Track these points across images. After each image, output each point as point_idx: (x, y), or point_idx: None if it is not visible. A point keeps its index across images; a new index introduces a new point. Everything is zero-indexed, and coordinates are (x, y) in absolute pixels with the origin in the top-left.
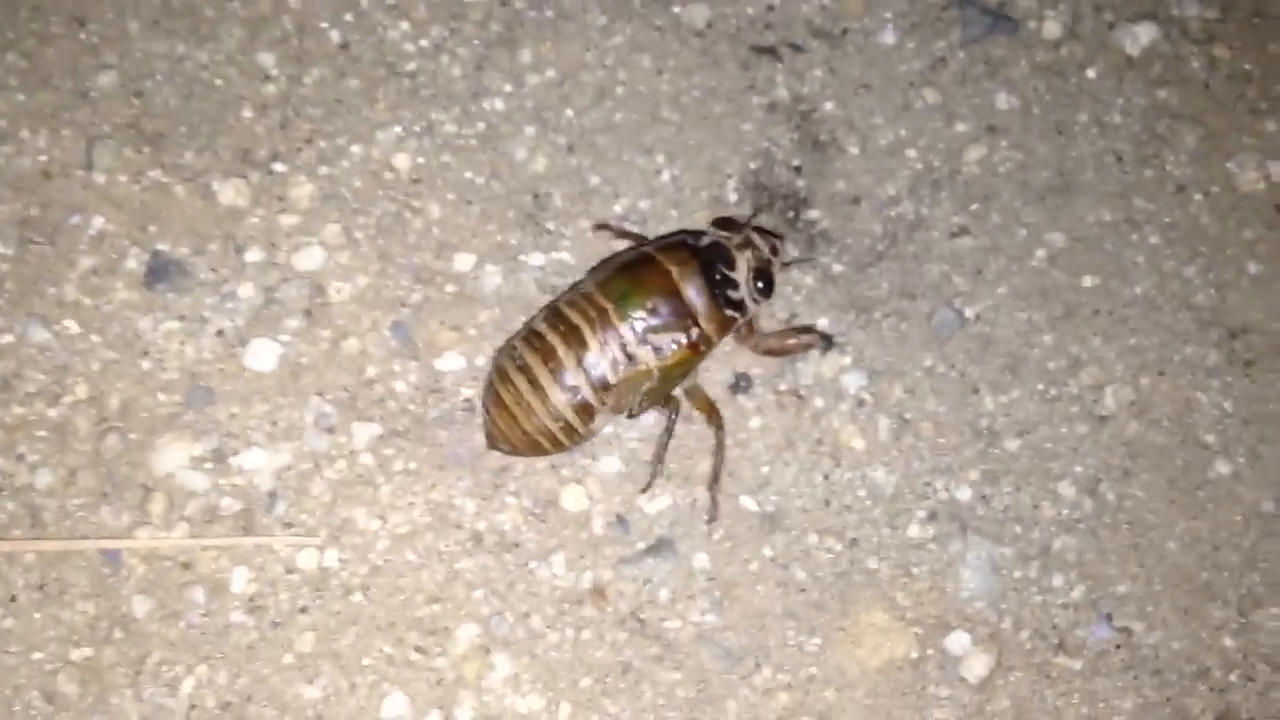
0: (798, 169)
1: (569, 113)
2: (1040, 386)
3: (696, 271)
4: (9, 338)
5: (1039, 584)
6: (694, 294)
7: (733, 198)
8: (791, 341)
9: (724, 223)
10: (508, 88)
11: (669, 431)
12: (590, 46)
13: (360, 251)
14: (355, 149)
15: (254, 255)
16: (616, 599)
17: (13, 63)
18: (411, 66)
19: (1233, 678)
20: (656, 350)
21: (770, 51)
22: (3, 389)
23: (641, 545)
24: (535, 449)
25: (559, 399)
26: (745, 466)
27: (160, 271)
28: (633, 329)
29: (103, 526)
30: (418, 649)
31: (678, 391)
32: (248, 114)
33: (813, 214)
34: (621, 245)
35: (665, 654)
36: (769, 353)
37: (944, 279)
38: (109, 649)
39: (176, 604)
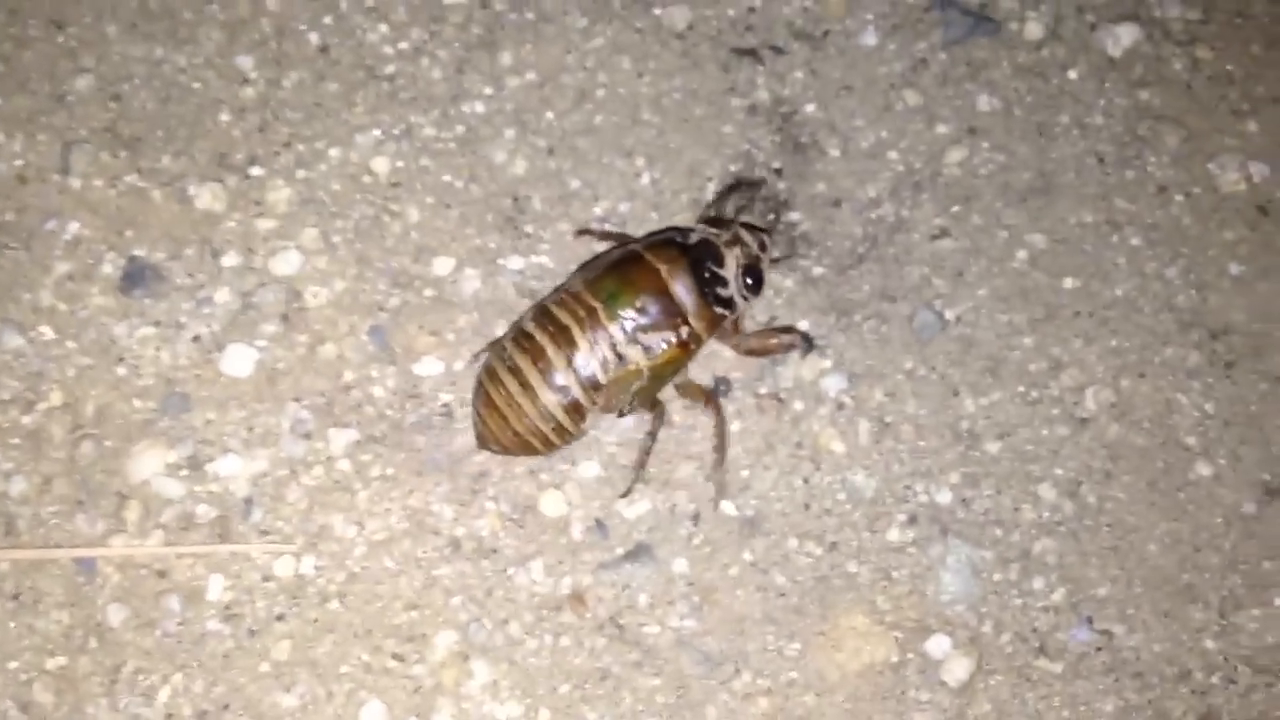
0: (779, 171)
1: (549, 115)
2: (1021, 389)
3: (685, 269)
4: None
5: (1019, 587)
6: (683, 292)
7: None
8: (773, 341)
9: (712, 220)
10: (488, 90)
11: (653, 436)
12: (570, 49)
13: (338, 256)
14: (333, 152)
15: (231, 260)
16: (595, 605)
17: None
18: (391, 69)
19: (1214, 680)
20: (646, 349)
21: (751, 53)
22: None
23: (620, 550)
24: (526, 449)
25: (549, 399)
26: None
27: (136, 277)
28: (622, 328)
29: (77, 535)
30: (395, 656)
31: (667, 391)
32: (225, 117)
33: (793, 216)
34: (604, 247)
35: (644, 660)
36: (750, 352)
37: (925, 281)
38: (84, 658)
39: (152, 612)
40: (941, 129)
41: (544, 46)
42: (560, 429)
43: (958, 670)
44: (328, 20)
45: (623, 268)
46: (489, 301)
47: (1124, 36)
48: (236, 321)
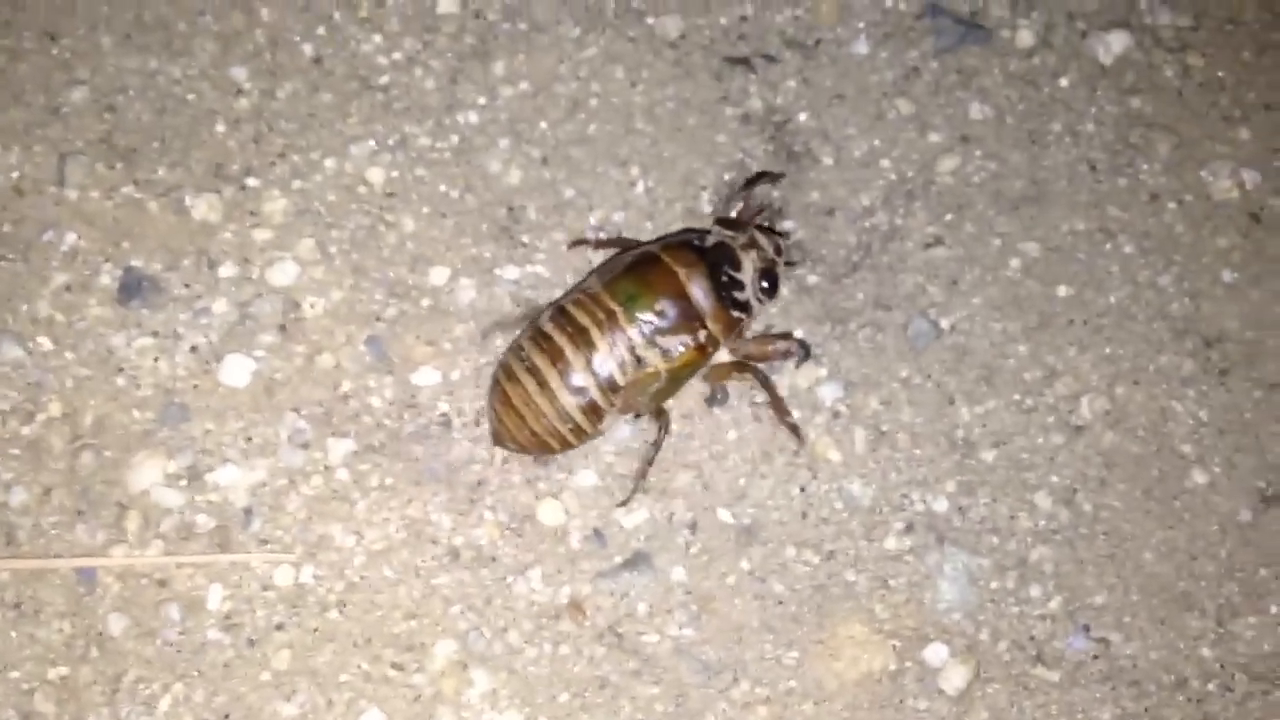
0: (771, 176)
1: (543, 125)
2: (1016, 397)
3: (703, 273)
4: None
5: (1016, 595)
6: (701, 295)
7: (707, 209)
8: (770, 348)
9: (727, 222)
10: (481, 100)
11: (656, 446)
12: (564, 58)
13: (334, 266)
14: (328, 163)
15: (227, 270)
16: (594, 613)
17: None
18: (384, 80)
19: (1211, 687)
20: (664, 352)
21: (744, 62)
22: None
23: (619, 559)
24: (543, 448)
25: (567, 401)
26: (722, 479)
27: (133, 287)
28: (641, 331)
29: (77, 544)
30: (395, 665)
31: (677, 394)
32: (220, 129)
33: (787, 225)
34: (600, 255)
35: (643, 668)
36: (748, 357)
37: (919, 290)
38: (85, 667)
39: (152, 622)
40: (934, 137)
41: (537, 56)
42: (578, 429)
43: (955, 679)
44: (321, 31)
45: (641, 270)
46: (485, 311)
47: (1115, 44)
48: (234, 332)
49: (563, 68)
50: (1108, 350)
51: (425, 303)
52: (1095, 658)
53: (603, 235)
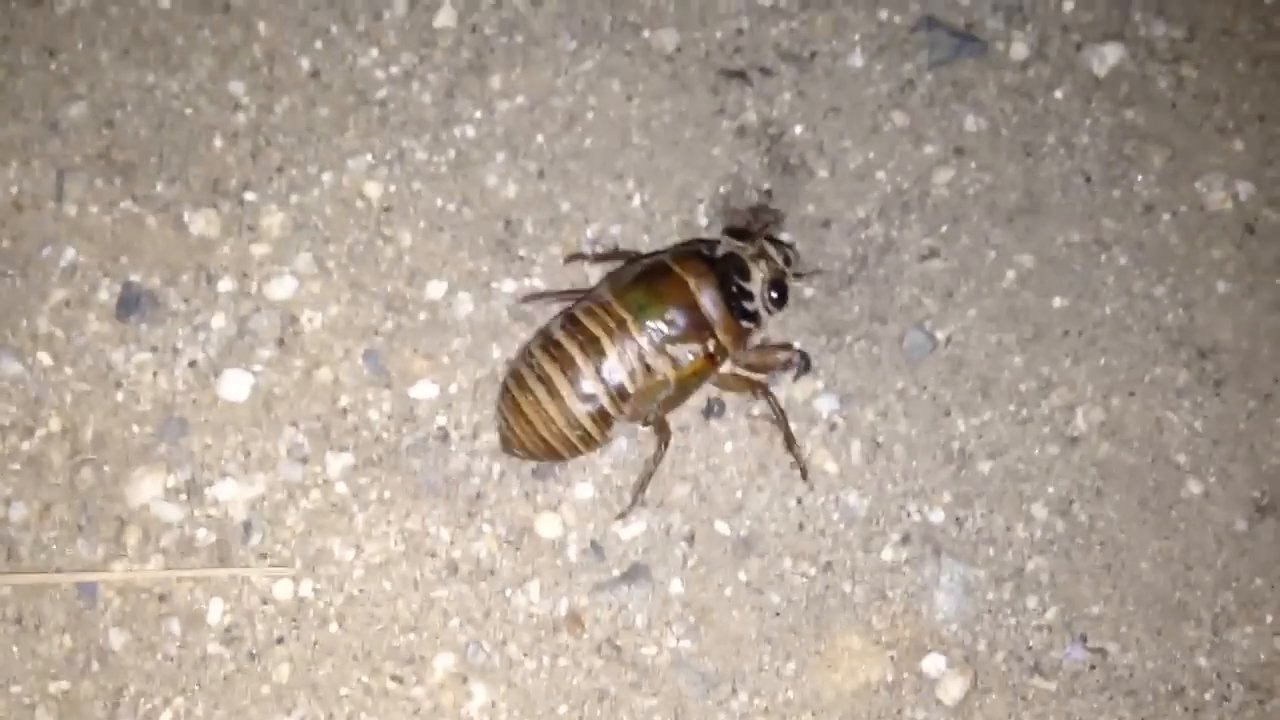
0: (768, 192)
1: (539, 139)
2: (1011, 408)
3: (713, 283)
4: None
5: (1013, 606)
6: (710, 305)
7: (703, 222)
8: (770, 358)
9: (737, 233)
10: (478, 114)
11: (656, 460)
12: (560, 72)
13: (332, 280)
14: (326, 177)
15: (226, 285)
16: (592, 626)
17: None
18: (382, 94)
19: (1208, 697)
20: (674, 361)
21: (739, 75)
22: None
23: (616, 572)
24: (551, 454)
25: (577, 408)
26: (719, 491)
27: (132, 303)
28: (651, 339)
29: (78, 559)
30: (394, 678)
31: (706, 388)
32: (218, 143)
33: (783, 237)
34: (598, 269)
35: (641, 680)
36: (749, 367)
37: (914, 301)
38: (86, 682)
39: (153, 636)
40: (929, 149)
41: (533, 70)
42: (586, 437)
43: (953, 689)
44: (318, 45)
45: (652, 280)
46: (482, 325)
47: (1109, 56)
48: (232, 347)
49: (559, 81)
50: (1103, 361)
51: (423, 316)
52: (1092, 668)
53: (599, 249)
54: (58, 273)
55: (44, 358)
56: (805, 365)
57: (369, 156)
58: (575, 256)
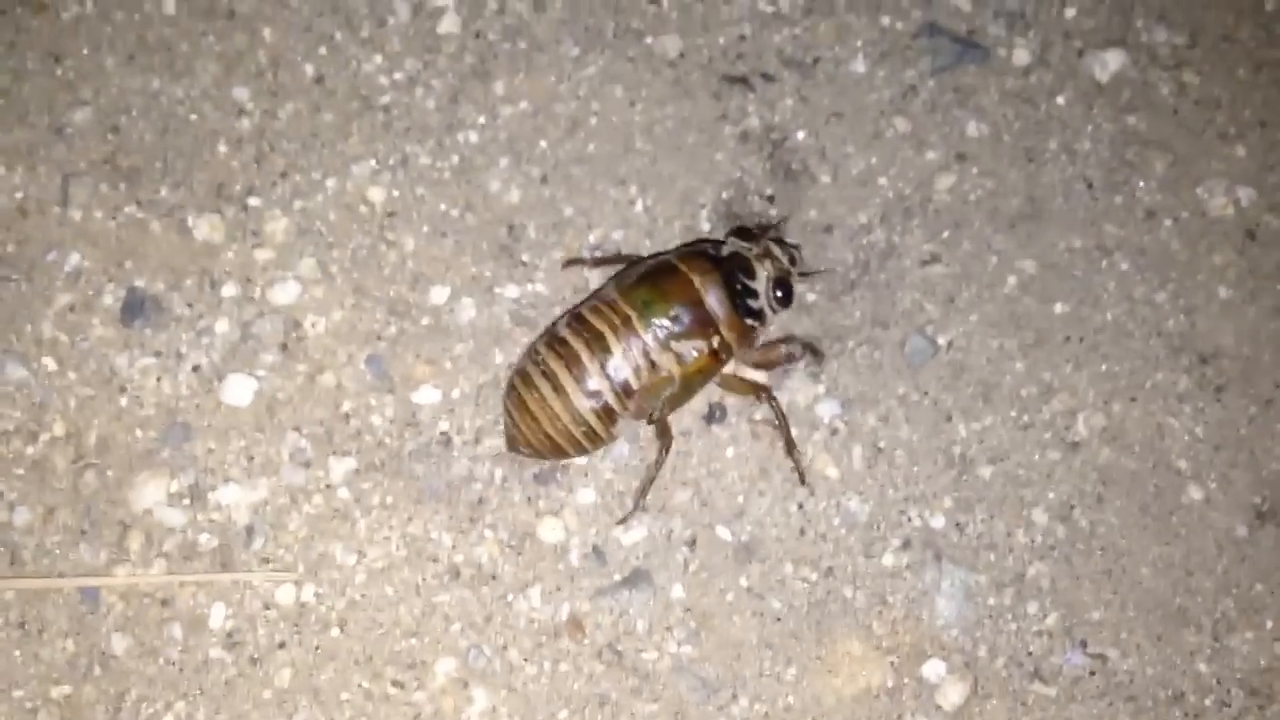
0: (770, 198)
1: (543, 144)
2: (1013, 413)
3: (718, 281)
4: None
5: (1013, 611)
6: (716, 303)
7: (706, 227)
8: (775, 354)
9: (742, 233)
10: (481, 120)
11: (658, 465)
12: (563, 78)
13: (335, 285)
14: (330, 183)
15: (230, 290)
16: (593, 631)
17: None
18: (386, 100)
19: (1208, 702)
20: (679, 357)
21: (742, 81)
22: None
23: (618, 577)
24: (557, 452)
25: (583, 404)
26: (720, 496)
27: (136, 307)
28: (656, 336)
29: (81, 564)
30: (395, 683)
31: (709, 392)
32: (223, 149)
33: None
34: (597, 274)
35: (642, 685)
36: (757, 365)
37: (916, 307)
38: (88, 686)
39: (155, 641)
40: (931, 155)
41: (537, 76)
42: (591, 433)
43: (953, 695)
44: (323, 51)
45: (657, 277)
46: (485, 330)
47: (1111, 62)
48: (236, 351)
49: (562, 87)
50: (1104, 367)
51: (426, 321)
52: (1092, 673)
53: (598, 254)
54: (62, 277)
55: (48, 362)
56: (814, 354)
57: (373, 162)
58: (574, 261)
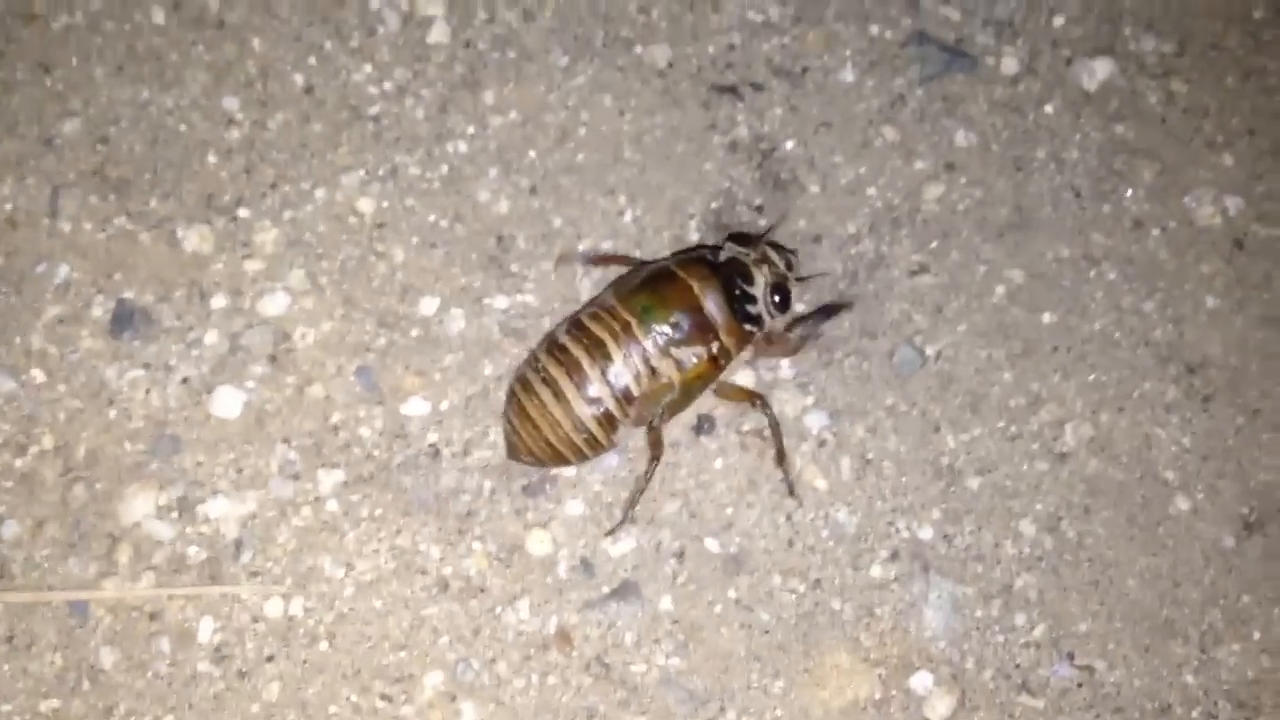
0: (759, 208)
1: (532, 154)
2: (1001, 424)
3: (717, 287)
4: None
5: (1001, 623)
6: (714, 308)
7: (695, 237)
8: (795, 340)
9: (739, 238)
10: (471, 130)
11: (649, 475)
12: (552, 88)
13: (325, 296)
14: (319, 193)
15: (219, 302)
16: (581, 643)
17: None
18: (375, 110)
19: (1195, 714)
20: (678, 363)
21: (731, 90)
22: None
23: (606, 589)
24: (558, 459)
25: (583, 411)
26: (708, 508)
27: (125, 319)
28: (655, 342)
29: (70, 577)
30: (383, 696)
31: (701, 403)
32: (212, 159)
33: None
34: (587, 283)
35: (630, 698)
36: (796, 350)
37: (904, 317)
38: (77, 700)
39: (143, 654)
40: (919, 165)
41: (526, 85)
42: (592, 440)
43: (940, 707)
44: (312, 61)
45: (656, 284)
46: (474, 341)
47: (1099, 71)
48: (225, 363)
49: (552, 97)
50: (1091, 377)
51: (415, 333)
52: (1080, 685)
53: (590, 254)
54: (51, 289)
55: (37, 374)
56: (839, 309)
57: (362, 172)
58: (565, 259)
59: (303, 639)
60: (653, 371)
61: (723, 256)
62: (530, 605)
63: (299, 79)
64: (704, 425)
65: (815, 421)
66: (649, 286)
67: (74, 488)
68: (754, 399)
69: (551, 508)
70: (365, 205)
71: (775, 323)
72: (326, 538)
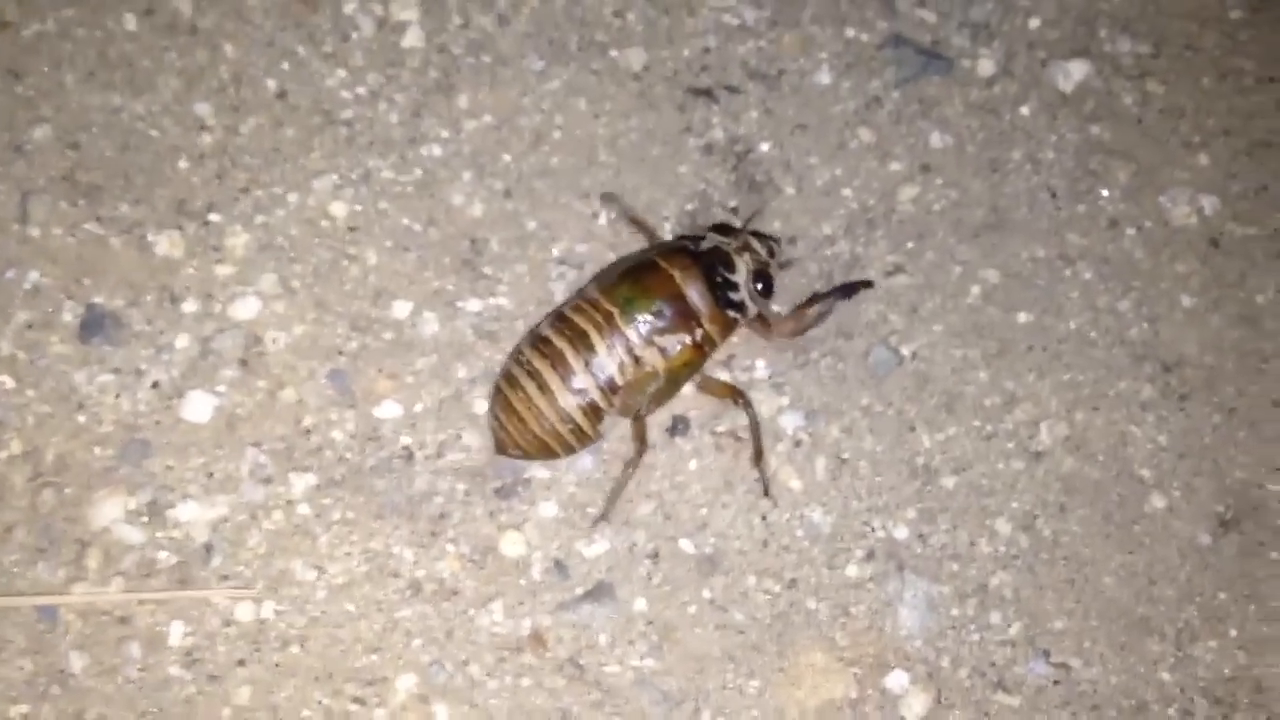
0: (734, 210)
1: (506, 158)
2: (976, 423)
3: (699, 275)
4: None
5: (976, 621)
6: (697, 296)
7: (669, 239)
8: (807, 319)
9: (722, 228)
10: (445, 134)
11: (633, 467)
12: (527, 91)
13: (297, 300)
14: (292, 198)
15: (190, 306)
16: (555, 645)
17: None
18: (348, 114)
19: (1171, 712)
20: (662, 351)
21: (706, 93)
22: None
23: (580, 590)
24: (545, 451)
25: (568, 402)
26: (683, 509)
27: (95, 324)
28: (638, 332)
29: (39, 582)
30: (356, 700)
31: (687, 389)
32: (184, 164)
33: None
34: (561, 286)
35: (605, 699)
36: (795, 334)
37: (880, 318)
38: (46, 705)
39: (113, 659)
40: (895, 166)
41: (500, 89)
42: (578, 431)
43: (916, 706)
44: (285, 66)
45: (638, 274)
46: (448, 344)
47: (1075, 72)
48: (196, 367)
49: (526, 100)
50: (1067, 376)
51: (388, 336)
52: (1056, 683)
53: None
54: (21, 295)
55: (6, 380)
56: (851, 292)
57: (335, 176)
58: (609, 199)
59: (274, 642)
60: (637, 361)
61: (704, 246)
62: (504, 607)
63: (271, 84)
64: (679, 426)
65: (790, 422)
66: (631, 277)
67: (43, 492)
68: (736, 396)
69: (525, 509)
70: (338, 209)
71: (757, 310)
72: (298, 541)
